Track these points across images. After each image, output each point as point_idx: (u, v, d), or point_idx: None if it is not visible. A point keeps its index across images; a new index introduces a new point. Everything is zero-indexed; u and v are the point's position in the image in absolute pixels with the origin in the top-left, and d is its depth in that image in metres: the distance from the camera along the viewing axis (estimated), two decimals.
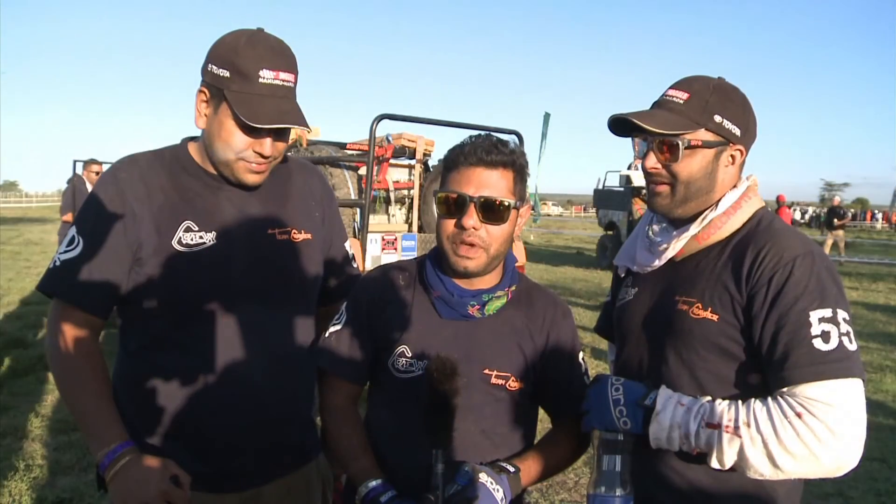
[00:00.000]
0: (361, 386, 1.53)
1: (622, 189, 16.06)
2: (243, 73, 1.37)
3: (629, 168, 15.96)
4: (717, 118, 1.35)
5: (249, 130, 1.40)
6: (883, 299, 12.03)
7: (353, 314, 1.50)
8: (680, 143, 1.34)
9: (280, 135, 1.46)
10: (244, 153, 1.43)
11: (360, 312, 1.49)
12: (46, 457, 4.02)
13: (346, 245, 1.79)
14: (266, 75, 1.38)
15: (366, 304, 1.49)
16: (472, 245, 1.36)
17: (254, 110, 1.36)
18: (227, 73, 1.38)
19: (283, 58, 1.43)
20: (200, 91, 1.44)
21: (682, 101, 1.36)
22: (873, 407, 5.40)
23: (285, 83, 1.42)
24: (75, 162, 9.68)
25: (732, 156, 1.39)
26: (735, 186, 1.40)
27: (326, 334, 1.52)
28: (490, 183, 1.36)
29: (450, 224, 1.38)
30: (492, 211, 1.36)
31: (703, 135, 1.35)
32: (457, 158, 1.39)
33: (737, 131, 1.37)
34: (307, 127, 1.43)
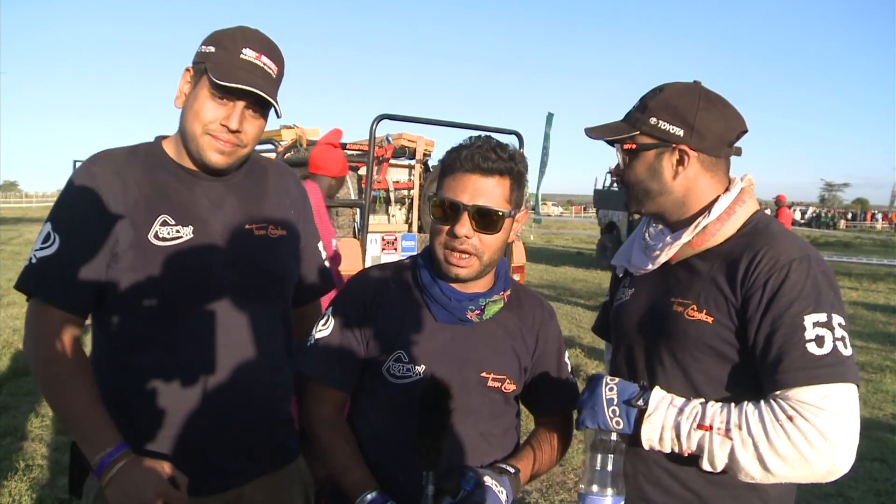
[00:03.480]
0: (349, 393, 1.49)
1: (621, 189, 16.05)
2: (226, 48, 1.41)
3: None
4: (653, 120, 1.36)
5: (220, 99, 1.41)
6: (883, 299, 12.03)
7: (343, 318, 1.45)
8: (617, 147, 1.42)
9: (252, 119, 1.45)
10: (212, 126, 1.42)
11: (351, 316, 1.45)
12: (46, 457, 4.03)
13: (319, 245, 1.77)
14: (248, 53, 1.41)
15: (357, 308, 1.45)
16: (464, 253, 1.35)
17: (227, 73, 1.38)
18: (212, 49, 1.42)
19: (269, 46, 1.46)
20: (186, 71, 1.46)
21: (630, 110, 1.42)
22: (873, 407, 5.37)
23: (266, 66, 1.43)
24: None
25: (679, 158, 1.36)
26: (727, 190, 1.38)
27: (312, 340, 1.47)
28: (485, 191, 1.34)
29: (443, 230, 1.36)
30: (485, 220, 1.34)
31: (639, 138, 1.38)
32: (453, 163, 1.36)
33: (677, 132, 1.34)
34: (277, 109, 1.45)
